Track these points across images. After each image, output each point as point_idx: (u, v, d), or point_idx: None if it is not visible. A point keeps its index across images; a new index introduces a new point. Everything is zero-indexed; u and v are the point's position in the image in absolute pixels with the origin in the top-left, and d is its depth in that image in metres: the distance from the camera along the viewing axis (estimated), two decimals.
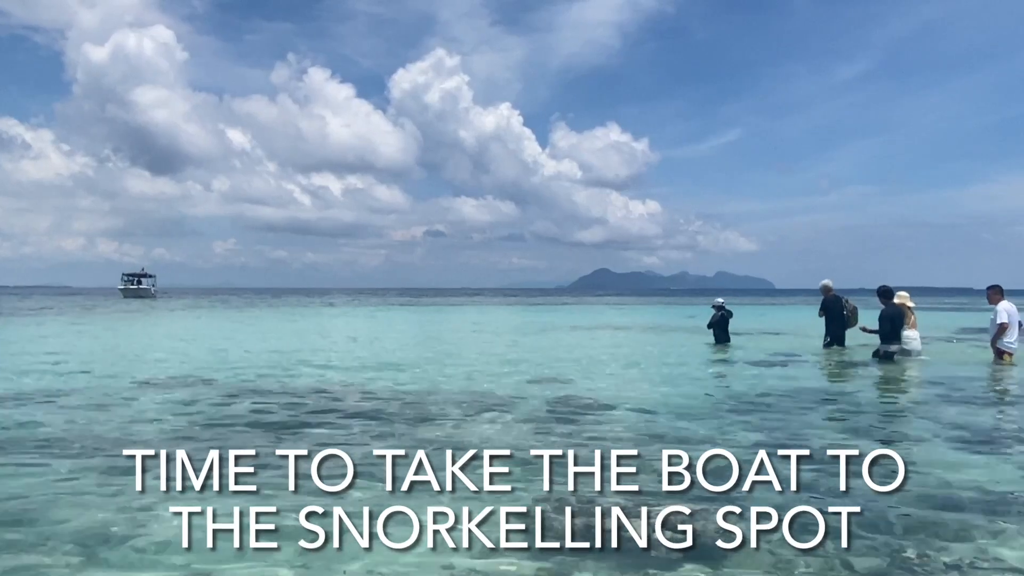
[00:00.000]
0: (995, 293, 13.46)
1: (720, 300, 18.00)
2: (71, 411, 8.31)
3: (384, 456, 6.08)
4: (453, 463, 5.83)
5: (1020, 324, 13.42)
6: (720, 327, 17.51)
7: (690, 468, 5.61)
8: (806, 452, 6.17)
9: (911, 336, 13.83)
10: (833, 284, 15.64)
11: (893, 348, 13.40)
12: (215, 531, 4.20)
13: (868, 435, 6.91)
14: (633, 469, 5.59)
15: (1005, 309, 13.21)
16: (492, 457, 6.04)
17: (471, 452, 6.22)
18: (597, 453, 6.16)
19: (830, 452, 6.15)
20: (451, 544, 3.99)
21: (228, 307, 51.88)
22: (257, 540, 4.06)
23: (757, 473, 5.46)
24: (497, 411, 8.30)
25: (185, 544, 3.99)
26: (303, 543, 4.01)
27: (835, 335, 15.50)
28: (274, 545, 3.97)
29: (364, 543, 4.01)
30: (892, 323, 13.47)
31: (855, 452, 6.19)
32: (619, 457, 6.00)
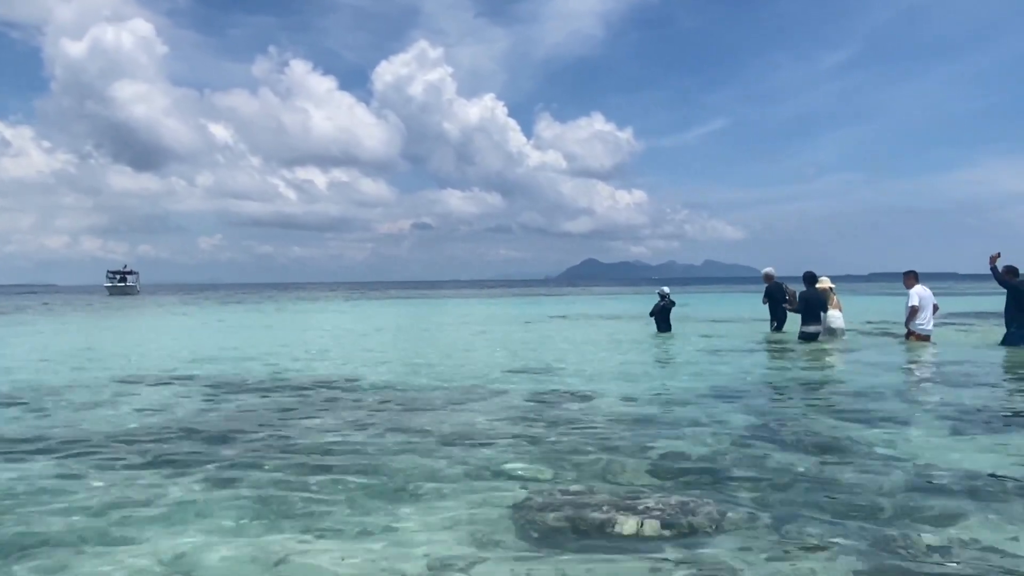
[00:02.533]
0: (910, 278, 14.19)
1: (665, 289, 18.17)
2: (57, 409, 8.26)
3: (373, 448, 6.10)
4: (442, 454, 5.86)
5: (936, 307, 14.20)
6: (662, 316, 17.79)
7: (680, 457, 5.68)
8: (792, 440, 6.26)
9: (835, 316, 14.85)
10: (775, 272, 16.72)
11: (812, 329, 14.35)
12: (202, 524, 4.21)
13: (851, 419, 6.97)
14: (622, 458, 5.64)
15: (917, 293, 13.91)
16: (480, 447, 6.08)
17: (459, 443, 6.25)
18: (586, 442, 6.21)
19: (815, 437, 6.27)
20: (440, 536, 4.00)
21: (214, 303, 51.62)
22: (246, 532, 4.07)
23: (744, 460, 5.54)
24: (485, 402, 8.32)
25: (171, 539, 3.99)
26: (293, 533, 4.02)
27: (780, 319, 16.43)
28: (263, 537, 3.98)
29: (352, 535, 4.02)
30: (807, 304, 14.48)
31: (840, 436, 6.29)
32: (608, 446, 6.05)
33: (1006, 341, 12.95)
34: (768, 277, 16.72)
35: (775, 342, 14.96)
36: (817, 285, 14.88)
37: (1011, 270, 12.93)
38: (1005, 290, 12.97)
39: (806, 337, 14.38)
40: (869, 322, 18.81)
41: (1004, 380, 9.91)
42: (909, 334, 14.01)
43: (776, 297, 16.29)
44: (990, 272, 12.86)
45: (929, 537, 3.82)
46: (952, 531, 3.94)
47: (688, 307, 32.99)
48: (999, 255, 12.66)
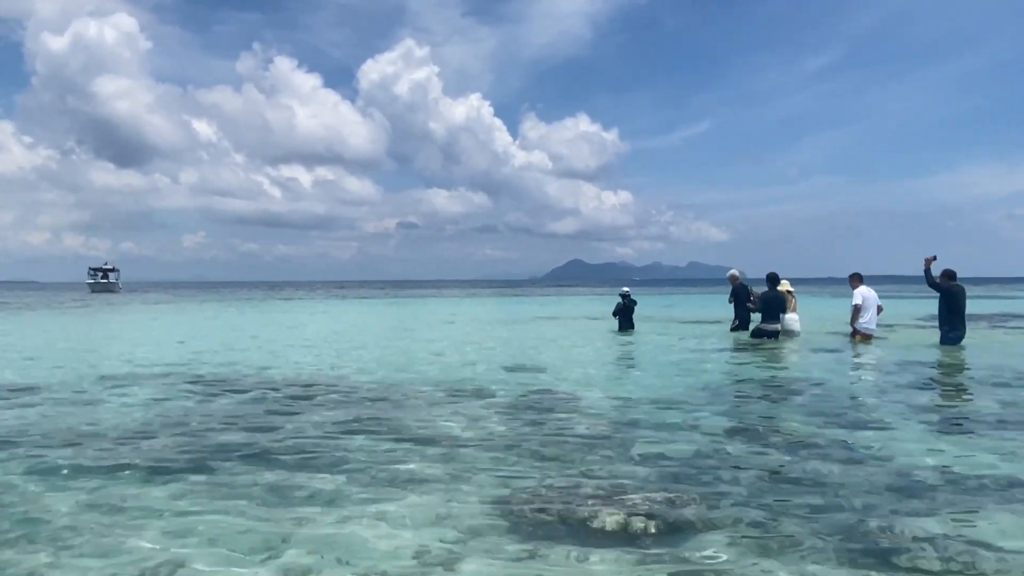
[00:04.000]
0: (855, 280, 14.84)
1: (626, 289, 18.96)
2: (37, 407, 8.18)
3: (359, 446, 6.10)
4: (429, 452, 5.86)
5: (880, 308, 14.87)
6: (624, 315, 18.48)
7: (663, 455, 5.72)
8: (775, 437, 6.32)
9: (792, 319, 15.53)
10: (740, 274, 17.54)
11: (770, 327, 14.97)
12: (188, 524, 4.20)
13: (835, 418, 7.04)
14: (607, 456, 5.67)
15: (861, 293, 14.53)
16: (465, 445, 6.08)
17: (444, 441, 6.26)
18: (570, 441, 6.23)
19: (799, 436, 6.33)
20: (428, 531, 4.01)
21: (197, 301, 51.22)
22: (230, 530, 4.06)
23: (727, 458, 5.59)
24: (471, 402, 8.32)
25: (157, 538, 3.97)
26: (279, 529, 4.02)
27: (743, 319, 17.03)
28: (248, 534, 3.97)
29: (340, 531, 4.03)
30: (767, 305, 15.14)
31: (824, 435, 6.35)
32: (592, 444, 6.08)
33: (942, 343, 13.50)
34: (734, 279, 17.44)
35: (749, 343, 15.10)
36: (779, 288, 15.52)
37: (949, 274, 13.47)
38: (937, 293, 13.52)
39: (764, 334, 15.02)
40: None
41: (970, 380, 10.11)
42: (855, 333, 14.62)
43: (741, 297, 16.94)
44: (923, 274, 13.40)
45: (912, 532, 3.87)
46: (934, 526, 3.99)
47: (672, 308, 33.14)
48: (935, 258, 13.15)
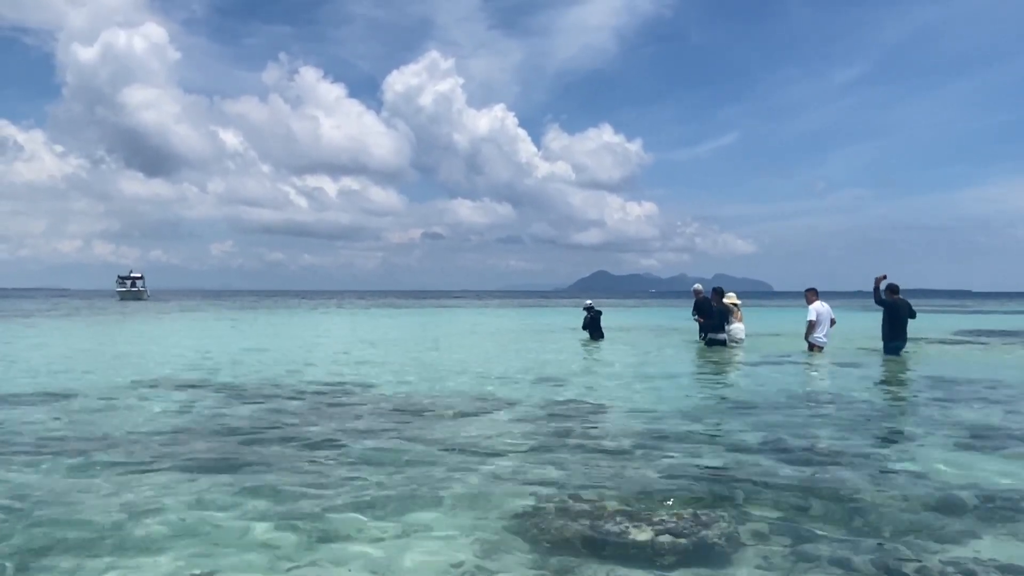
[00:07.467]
0: (810, 294, 15.48)
1: (589, 302, 20.20)
2: (71, 412, 8.31)
3: (383, 456, 6.11)
4: (452, 464, 5.86)
5: (833, 321, 15.53)
6: (592, 327, 19.66)
7: (689, 469, 5.65)
8: (801, 451, 6.23)
9: (738, 328, 16.92)
10: (702, 288, 18.26)
11: (720, 336, 16.58)
12: (215, 530, 4.22)
13: (860, 432, 6.93)
14: (634, 469, 5.62)
15: (815, 308, 15.21)
16: (491, 457, 6.07)
17: (470, 452, 6.25)
18: (597, 453, 6.19)
19: (825, 451, 6.23)
20: (453, 544, 4.00)
21: (225, 309, 51.83)
22: (257, 538, 4.08)
23: (755, 474, 5.51)
24: (495, 413, 8.31)
25: (187, 544, 4.00)
26: (305, 540, 4.03)
27: (706, 330, 17.83)
28: (275, 543, 3.98)
29: (366, 542, 4.03)
30: (721, 316, 16.66)
31: (850, 450, 6.25)
32: (619, 458, 6.03)
33: (885, 352, 14.36)
34: (697, 292, 18.13)
35: (775, 356, 15.05)
36: (724, 300, 16.85)
37: (893, 288, 14.32)
38: (882, 308, 14.42)
39: (715, 343, 16.51)
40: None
41: (1008, 397, 9.86)
42: (810, 346, 15.33)
43: (704, 310, 17.69)
44: (872, 291, 14.25)
45: (944, 556, 3.79)
46: (967, 550, 3.91)
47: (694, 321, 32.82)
48: (884, 277, 14.12)
